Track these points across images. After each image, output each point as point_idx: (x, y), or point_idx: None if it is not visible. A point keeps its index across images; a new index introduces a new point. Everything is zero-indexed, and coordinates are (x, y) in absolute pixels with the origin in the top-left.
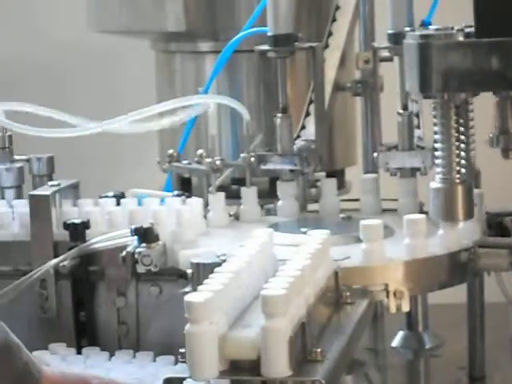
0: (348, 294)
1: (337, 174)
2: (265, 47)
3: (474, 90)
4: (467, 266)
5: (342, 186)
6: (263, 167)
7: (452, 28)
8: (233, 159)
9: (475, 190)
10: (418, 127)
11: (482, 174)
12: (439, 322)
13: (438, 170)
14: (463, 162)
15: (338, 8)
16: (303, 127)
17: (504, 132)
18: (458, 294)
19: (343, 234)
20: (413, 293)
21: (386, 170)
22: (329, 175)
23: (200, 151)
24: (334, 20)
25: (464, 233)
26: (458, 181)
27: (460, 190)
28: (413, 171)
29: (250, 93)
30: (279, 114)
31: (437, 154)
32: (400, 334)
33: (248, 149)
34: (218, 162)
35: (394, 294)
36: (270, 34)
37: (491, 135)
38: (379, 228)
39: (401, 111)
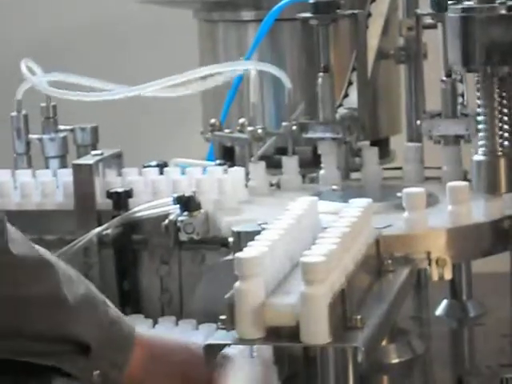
0: (390, 261)
1: (381, 143)
2: (307, 15)
3: None
4: (510, 234)
5: (386, 154)
6: (305, 136)
7: (494, 1)
8: (275, 128)
9: None
10: (462, 95)
11: None
12: (483, 291)
13: (481, 142)
14: (506, 134)
15: None
16: (346, 95)
17: None
18: (501, 263)
19: (386, 201)
20: (455, 261)
21: (430, 138)
22: (373, 144)
23: (242, 120)
24: None
25: (507, 200)
26: (500, 153)
27: (503, 162)
28: (456, 139)
29: (293, 61)
30: (321, 74)
31: (479, 126)
32: (444, 303)
33: (290, 117)
34: (259, 131)
35: (437, 261)
36: (311, 1)
37: None
38: (422, 196)
39: (444, 78)
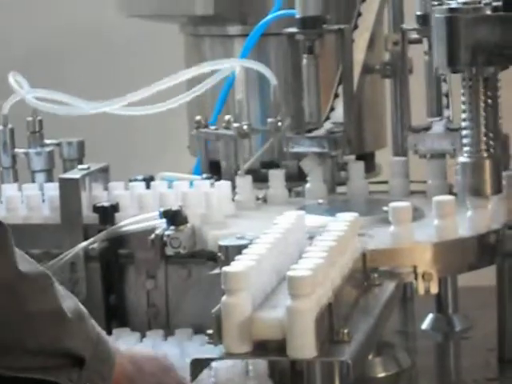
0: (376, 275)
1: (366, 157)
2: (293, 30)
3: (502, 63)
4: (496, 248)
5: (371, 168)
6: (292, 150)
7: (480, 2)
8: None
9: (504, 173)
10: (448, 107)
11: None
12: (469, 305)
13: (466, 143)
14: (491, 134)
15: None
16: (332, 109)
17: None
18: (487, 277)
19: (372, 215)
20: (441, 275)
21: (415, 152)
22: (358, 158)
23: (228, 117)
24: (363, 1)
25: (493, 214)
26: (485, 155)
27: (488, 164)
28: (442, 153)
29: (278, 76)
30: (305, 55)
31: (464, 125)
32: (430, 317)
33: (275, 114)
34: (245, 127)
35: (423, 276)
36: (298, 16)
37: None
38: (408, 210)
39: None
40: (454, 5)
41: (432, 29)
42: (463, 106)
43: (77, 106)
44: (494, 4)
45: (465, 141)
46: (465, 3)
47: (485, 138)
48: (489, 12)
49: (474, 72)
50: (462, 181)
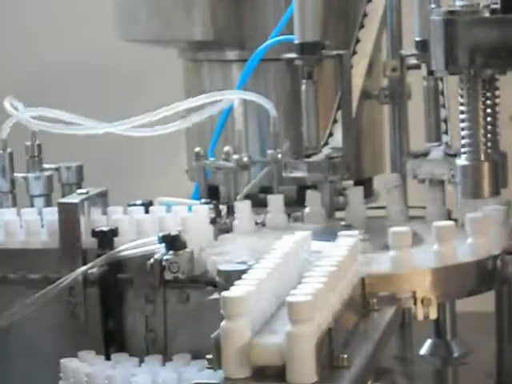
0: (375, 300)
1: (364, 183)
2: (292, 55)
3: (500, 66)
4: (495, 274)
5: (370, 194)
6: (290, 175)
7: (478, 4)
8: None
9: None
10: (446, 133)
11: None
12: (467, 330)
13: (464, 145)
14: (490, 136)
15: (365, 15)
16: (331, 134)
17: None
18: (485, 302)
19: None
20: (440, 300)
21: (414, 178)
22: (356, 183)
23: (227, 148)
24: (361, 27)
25: (492, 240)
26: (483, 157)
27: (486, 166)
28: (441, 179)
29: (277, 101)
30: (304, 80)
31: (462, 126)
32: (428, 342)
33: (275, 146)
34: (245, 159)
35: (422, 301)
36: (296, 41)
37: None
38: (407, 235)
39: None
40: (451, 7)
41: (430, 31)
42: (461, 108)
43: (74, 124)
44: (493, 6)
45: (463, 143)
46: (462, 5)
47: (483, 140)
48: (487, 14)
49: (472, 74)
50: (461, 184)
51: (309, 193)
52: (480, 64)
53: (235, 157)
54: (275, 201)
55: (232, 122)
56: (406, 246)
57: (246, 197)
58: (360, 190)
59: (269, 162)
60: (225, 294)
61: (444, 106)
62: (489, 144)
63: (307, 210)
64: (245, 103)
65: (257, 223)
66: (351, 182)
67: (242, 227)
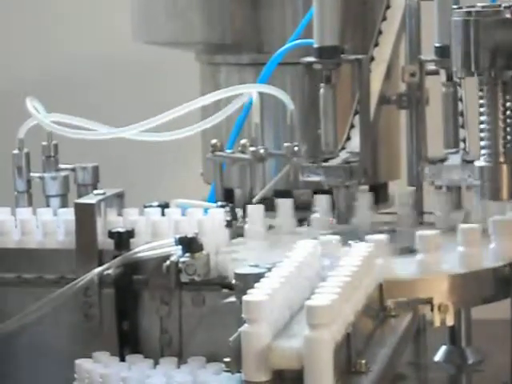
0: (392, 306)
1: (380, 188)
2: (310, 59)
3: None
4: (511, 281)
5: (385, 199)
6: (307, 179)
7: (500, 5)
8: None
9: None
10: (464, 141)
11: None
12: (482, 337)
13: (484, 147)
14: (509, 138)
15: (384, 19)
16: (348, 138)
17: None
18: (501, 310)
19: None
20: (457, 307)
21: (431, 184)
22: (372, 189)
23: (243, 141)
24: (380, 32)
25: (510, 246)
26: (502, 159)
27: (505, 168)
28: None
29: (294, 105)
30: (322, 84)
31: (481, 128)
32: (443, 349)
33: (291, 139)
34: (261, 151)
35: (439, 307)
36: (315, 45)
37: None
38: (434, 238)
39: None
40: (473, 8)
41: (451, 32)
42: (481, 109)
43: (92, 130)
44: None
45: (482, 144)
46: (484, 6)
47: (503, 142)
48: (508, 15)
49: (492, 75)
50: (480, 185)
51: (317, 197)
52: (500, 66)
53: (252, 149)
54: (284, 205)
55: (247, 116)
56: (431, 250)
57: (261, 201)
58: (368, 195)
59: (285, 154)
60: (246, 297)
61: (462, 113)
62: (508, 146)
63: (316, 215)
64: (261, 99)
65: (270, 227)
66: (366, 187)
67: (253, 231)
